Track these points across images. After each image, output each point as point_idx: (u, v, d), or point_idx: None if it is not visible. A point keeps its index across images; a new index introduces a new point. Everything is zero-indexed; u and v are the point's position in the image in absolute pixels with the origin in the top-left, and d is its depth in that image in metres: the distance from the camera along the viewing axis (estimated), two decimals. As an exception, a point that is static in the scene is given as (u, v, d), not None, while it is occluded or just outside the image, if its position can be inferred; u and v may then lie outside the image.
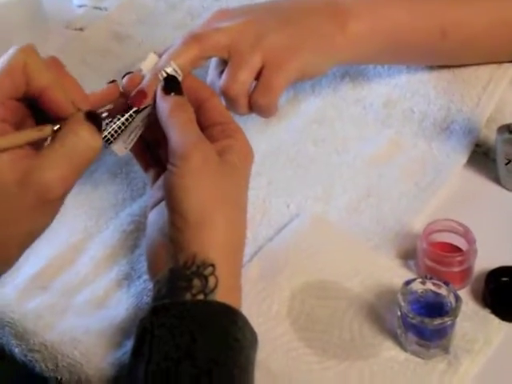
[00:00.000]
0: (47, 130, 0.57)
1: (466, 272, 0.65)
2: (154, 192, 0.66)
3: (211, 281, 0.57)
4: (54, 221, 0.58)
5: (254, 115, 0.70)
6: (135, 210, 0.72)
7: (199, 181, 0.59)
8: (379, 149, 0.76)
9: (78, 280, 0.68)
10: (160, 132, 0.63)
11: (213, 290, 0.57)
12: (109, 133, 0.62)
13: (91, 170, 0.76)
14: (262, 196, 0.72)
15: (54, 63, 0.60)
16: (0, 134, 0.55)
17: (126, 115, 0.63)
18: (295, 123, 0.79)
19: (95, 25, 0.93)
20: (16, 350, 0.64)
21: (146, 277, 0.67)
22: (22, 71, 0.57)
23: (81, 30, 0.94)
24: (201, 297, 0.57)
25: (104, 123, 0.63)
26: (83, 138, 0.56)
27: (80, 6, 0.97)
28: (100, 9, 0.96)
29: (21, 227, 0.55)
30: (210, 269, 0.57)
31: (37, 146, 0.57)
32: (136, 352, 0.56)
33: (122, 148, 0.64)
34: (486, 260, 0.66)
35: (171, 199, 0.59)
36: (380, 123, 0.78)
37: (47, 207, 0.55)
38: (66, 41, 0.92)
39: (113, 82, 0.64)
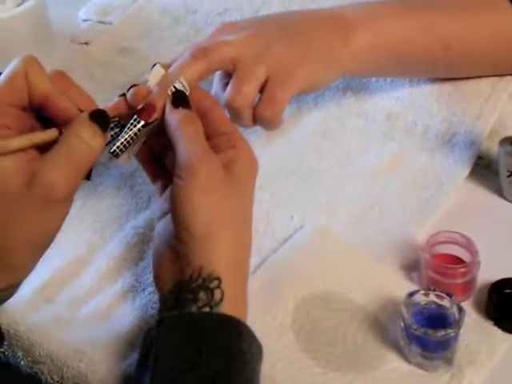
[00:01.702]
0: (51, 132, 0.58)
1: (469, 284, 0.65)
2: (161, 203, 0.66)
3: (217, 294, 0.57)
4: (60, 234, 0.59)
5: (257, 128, 0.71)
6: (140, 223, 0.73)
7: (205, 195, 0.59)
8: (382, 161, 0.76)
9: (83, 292, 0.68)
10: (166, 142, 0.63)
11: (218, 303, 0.57)
12: (117, 147, 0.63)
13: (96, 183, 0.77)
14: (266, 208, 0.73)
15: (59, 75, 0.61)
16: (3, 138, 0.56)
17: (135, 129, 0.63)
18: (298, 136, 0.80)
19: (100, 39, 0.93)
20: (22, 363, 0.65)
21: (151, 289, 0.67)
22: (24, 80, 0.58)
23: (86, 44, 0.94)
24: (206, 309, 0.57)
25: (109, 135, 0.64)
26: (83, 138, 0.57)
27: (85, 20, 0.98)
28: (105, 23, 0.96)
29: (30, 229, 0.56)
30: (215, 282, 0.58)
31: (43, 150, 0.57)
32: (142, 363, 0.57)
33: (126, 159, 0.65)
34: (489, 272, 0.66)
35: (177, 214, 0.60)
36: (383, 136, 0.79)
37: (53, 207, 0.56)
38: (71, 55, 0.92)
39: (123, 95, 0.65)
